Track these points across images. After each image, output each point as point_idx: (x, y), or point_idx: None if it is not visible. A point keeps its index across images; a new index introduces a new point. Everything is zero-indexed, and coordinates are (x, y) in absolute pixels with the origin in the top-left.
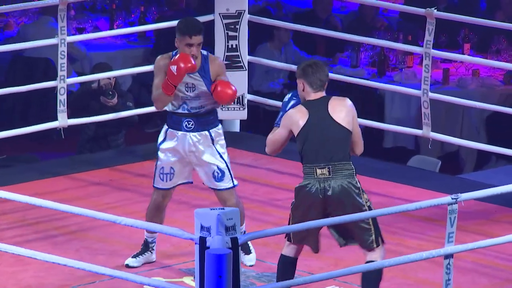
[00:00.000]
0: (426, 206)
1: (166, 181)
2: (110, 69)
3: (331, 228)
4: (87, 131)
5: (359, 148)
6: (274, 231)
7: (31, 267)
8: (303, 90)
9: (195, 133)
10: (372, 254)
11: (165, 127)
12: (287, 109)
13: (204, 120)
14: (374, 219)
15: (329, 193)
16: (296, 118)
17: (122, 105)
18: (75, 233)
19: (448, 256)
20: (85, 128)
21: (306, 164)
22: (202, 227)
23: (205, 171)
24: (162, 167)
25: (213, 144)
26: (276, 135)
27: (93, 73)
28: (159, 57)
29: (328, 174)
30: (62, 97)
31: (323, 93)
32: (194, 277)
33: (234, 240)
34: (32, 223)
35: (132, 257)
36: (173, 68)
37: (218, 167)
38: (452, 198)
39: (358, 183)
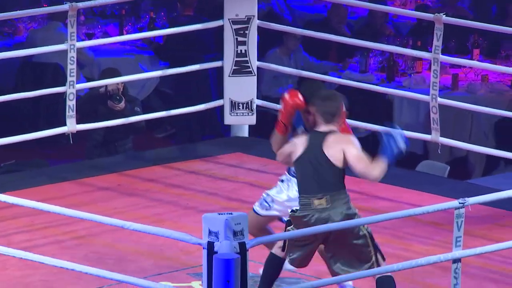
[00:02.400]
0: (433, 210)
1: (262, 209)
2: (119, 74)
3: (331, 260)
4: (95, 136)
5: (371, 174)
6: (282, 236)
7: (39, 271)
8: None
9: None
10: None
11: None
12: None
13: None
14: (372, 239)
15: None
16: (295, 147)
17: (130, 110)
18: (83, 238)
19: (456, 261)
20: (93, 133)
21: (303, 195)
22: (210, 232)
23: None
24: (268, 194)
25: None
26: (284, 149)
27: (102, 78)
28: None
29: (325, 204)
30: (71, 102)
31: (333, 127)
32: (202, 282)
33: (242, 245)
34: (40, 228)
35: None
36: (281, 105)
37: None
38: (459, 203)
39: (355, 210)
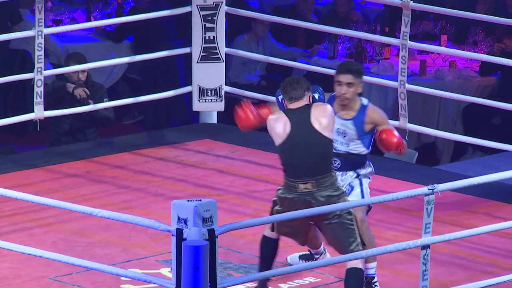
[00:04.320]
0: (403, 197)
1: None
2: (85, 60)
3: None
4: (62, 125)
5: None
6: (251, 223)
7: (7, 258)
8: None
9: (340, 173)
10: (353, 260)
11: None
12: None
13: (352, 160)
14: (357, 223)
15: (314, 205)
16: (277, 127)
17: (98, 100)
18: (51, 225)
19: (425, 247)
20: (59, 121)
21: (289, 178)
22: (179, 219)
23: None
24: None
25: (357, 177)
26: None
27: (67, 62)
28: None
29: (311, 188)
30: (39, 89)
31: (303, 102)
32: (171, 269)
33: (211, 232)
34: (8, 215)
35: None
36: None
37: (350, 184)
38: (428, 189)
39: (340, 188)
